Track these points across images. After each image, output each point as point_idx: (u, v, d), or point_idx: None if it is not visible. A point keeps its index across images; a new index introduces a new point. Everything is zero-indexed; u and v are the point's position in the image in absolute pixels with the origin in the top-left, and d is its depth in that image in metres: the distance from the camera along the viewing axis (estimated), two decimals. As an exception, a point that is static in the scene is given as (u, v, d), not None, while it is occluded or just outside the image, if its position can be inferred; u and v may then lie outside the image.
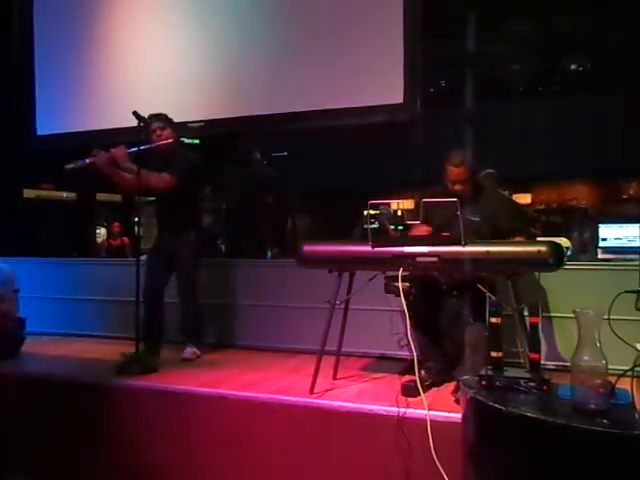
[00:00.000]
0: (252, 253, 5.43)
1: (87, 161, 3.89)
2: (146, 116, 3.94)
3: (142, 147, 3.88)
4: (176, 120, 4.27)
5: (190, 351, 4.12)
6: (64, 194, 11.42)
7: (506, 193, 3.64)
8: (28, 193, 9.73)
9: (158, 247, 4.22)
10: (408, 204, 5.61)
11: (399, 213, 3.49)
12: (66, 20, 6.19)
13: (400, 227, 3.58)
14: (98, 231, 11.71)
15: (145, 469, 3.25)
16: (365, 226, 3.09)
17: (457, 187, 3.36)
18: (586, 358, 1.88)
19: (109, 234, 11.00)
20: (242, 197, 6.37)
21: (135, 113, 3.81)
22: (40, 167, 7.28)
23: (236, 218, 6.53)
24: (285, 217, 7.48)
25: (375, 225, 3.12)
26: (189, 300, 4.17)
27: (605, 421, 1.75)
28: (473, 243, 2.90)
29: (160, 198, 4.18)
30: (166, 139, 4.07)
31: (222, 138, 5.79)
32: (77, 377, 3.66)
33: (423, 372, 3.04)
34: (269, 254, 6.29)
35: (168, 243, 4.15)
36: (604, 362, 1.87)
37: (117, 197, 11.04)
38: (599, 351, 1.88)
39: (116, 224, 10.22)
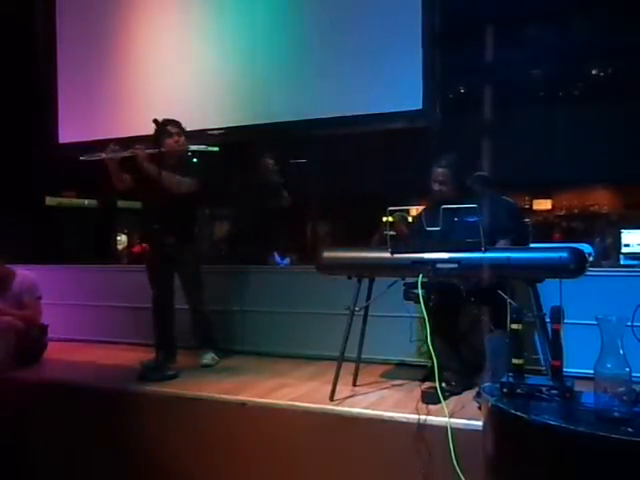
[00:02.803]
0: (251, 259, 5.36)
1: (103, 155, 3.92)
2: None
3: (162, 150, 3.90)
4: (196, 127, 4.29)
5: (209, 357, 4.13)
6: (85, 201, 11.52)
7: (504, 197, 3.56)
8: (50, 201, 9.85)
9: (161, 254, 4.04)
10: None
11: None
12: (88, 29, 6.26)
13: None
14: (119, 238, 11.80)
15: (164, 476, 3.27)
16: (384, 232, 3.07)
17: (436, 187, 3.40)
18: (609, 365, 1.86)
19: (130, 241, 11.09)
20: (247, 203, 6.34)
21: (155, 121, 3.86)
22: (62, 175, 7.35)
23: (236, 224, 6.53)
24: (304, 224, 7.49)
25: (394, 232, 3.10)
26: (201, 306, 4.17)
27: (630, 429, 1.73)
28: (494, 249, 2.88)
29: (161, 204, 3.90)
30: (182, 145, 4.10)
31: (230, 145, 5.73)
32: (98, 383, 3.68)
33: (444, 382, 3.02)
34: (279, 259, 6.25)
35: (171, 249, 4.02)
36: (628, 369, 1.85)
37: (138, 204, 11.09)
38: (622, 358, 1.86)
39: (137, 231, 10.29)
